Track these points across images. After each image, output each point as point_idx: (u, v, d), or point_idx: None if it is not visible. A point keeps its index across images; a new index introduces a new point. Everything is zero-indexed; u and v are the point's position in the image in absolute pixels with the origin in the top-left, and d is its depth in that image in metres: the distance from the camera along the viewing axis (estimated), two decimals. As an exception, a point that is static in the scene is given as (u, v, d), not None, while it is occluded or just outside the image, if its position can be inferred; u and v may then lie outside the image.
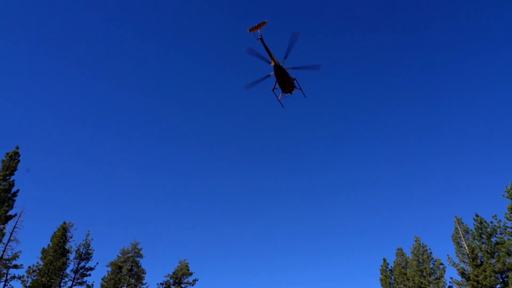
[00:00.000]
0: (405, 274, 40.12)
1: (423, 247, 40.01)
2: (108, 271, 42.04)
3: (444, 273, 37.57)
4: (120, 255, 44.64)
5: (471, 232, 38.11)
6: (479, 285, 32.58)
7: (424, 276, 37.98)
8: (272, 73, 21.10)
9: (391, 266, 44.91)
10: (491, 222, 36.43)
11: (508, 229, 33.69)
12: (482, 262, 34.75)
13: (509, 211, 32.92)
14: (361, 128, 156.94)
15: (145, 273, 44.73)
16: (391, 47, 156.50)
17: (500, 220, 35.54)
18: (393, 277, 43.50)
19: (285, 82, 21.27)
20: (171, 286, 50.60)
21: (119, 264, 42.31)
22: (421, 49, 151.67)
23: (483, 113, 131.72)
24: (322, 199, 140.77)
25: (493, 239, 35.81)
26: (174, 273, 50.86)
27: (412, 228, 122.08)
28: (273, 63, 20.63)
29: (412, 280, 38.30)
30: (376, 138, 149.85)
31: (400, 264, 42.66)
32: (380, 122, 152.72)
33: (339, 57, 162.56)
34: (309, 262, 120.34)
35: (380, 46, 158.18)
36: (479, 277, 32.93)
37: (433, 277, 37.64)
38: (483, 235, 36.36)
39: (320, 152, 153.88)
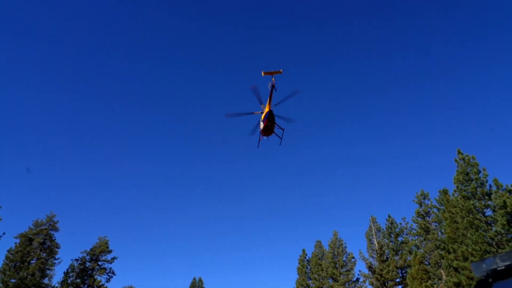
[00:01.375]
0: (320, 265, 42.78)
1: (339, 241, 42.91)
2: (16, 243, 38.86)
3: (354, 266, 40.82)
4: (32, 227, 41.46)
5: (382, 231, 41.70)
6: (382, 278, 35.95)
7: (337, 268, 40.85)
8: (258, 112, 22.33)
9: (309, 257, 47.56)
10: (400, 224, 40.27)
11: (413, 231, 37.44)
12: (387, 258, 38.29)
13: (416, 214, 36.55)
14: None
15: (59, 248, 42.15)
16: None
17: (408, 222, 39.46)
18: (309, 267, 46.12)
19: (272, 128, 22.48)
20: (87, 262, 48.31)
21: (30, 236, 39.31)
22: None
23: (418, 119, 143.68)
24: (257, 188, 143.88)
25: (400, 239, 39.63)
26: (91, 249, 48.57)
27: (333, 223, 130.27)
28: (268, 109, 21.75)
29: (326, 271, 41.00)
30: (302, 133, 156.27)
31: (317, 255, 45.32)
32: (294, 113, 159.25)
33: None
34: (235, 247, 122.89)
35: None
36: (383, 271, 36.30)
37: (345, 269, 40.66)
38: (392, 234, 40.02)
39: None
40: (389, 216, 41.19)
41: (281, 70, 20.70)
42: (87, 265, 48.40)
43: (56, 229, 42.25)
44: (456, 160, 28.02)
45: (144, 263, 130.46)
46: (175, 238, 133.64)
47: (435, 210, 34.53)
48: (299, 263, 47.44)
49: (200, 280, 73.78)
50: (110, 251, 50.16)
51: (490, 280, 1.34)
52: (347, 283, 39.70)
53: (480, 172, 26.51)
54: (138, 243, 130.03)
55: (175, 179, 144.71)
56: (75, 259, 47.99)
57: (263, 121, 22.29)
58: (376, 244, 39.68)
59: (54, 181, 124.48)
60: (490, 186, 25.86)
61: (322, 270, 41.91)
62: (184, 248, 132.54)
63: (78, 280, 46.80)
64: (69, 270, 46.46)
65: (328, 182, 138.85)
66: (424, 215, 35.69)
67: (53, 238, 41.84)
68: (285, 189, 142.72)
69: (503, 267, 1.33)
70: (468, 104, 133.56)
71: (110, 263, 50.33)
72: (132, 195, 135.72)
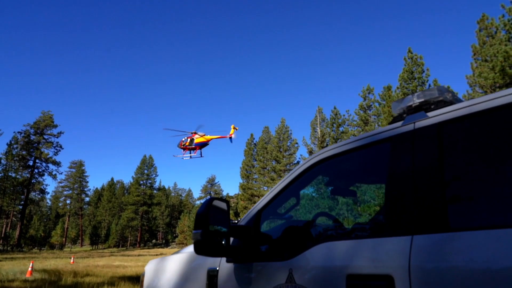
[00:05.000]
0: (266, 148, 45.94)
1: (285, 128, 45.52)
2: None
3: (297, 150, 44.45)
4: (-37, 95, 38.32)
5: (326, 121, 44.54)
6: (320, 162, 39.94)
7: (281, 152, 44.25)
8: (189, 132, 28.57)
9: (256, 141, 50.53)
10: (343, 115, 43.04)
11: (354, 122, 40.45)
12: (327, 145, 41.89)
13: (359, 107, 39.02)
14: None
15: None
16: None
17: (350, 114, 42.19)
18: (255, 150, 49.41)
19: (192, 150, 29.29)
20: (31, 136, 47.33)
21: (-37, 105, 36.63)
22: None
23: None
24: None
25: (341, 129, 42.88)
26: (35, 123, 47.19)
27: (282, 111, 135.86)
28: (206, 140, 28.41)
29: (271, 154, 44.34)
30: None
31: (264, 140, 48.24)
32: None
33: None
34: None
35: None
36: (321, 156, 40.08)
37: (288, 153, 44.23)
38: (334, 124, 43.01)
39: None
40: (335, 108, 43.59)
41: (237, 128, 29.63)
42: (32, 138, 47.52)
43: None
44: (405, 59, 29.05)
45: (95, 139, 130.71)
46: (126, 117, 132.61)
47: (376, 104, 37.01)
48: (247, 146, 50.51)
49: (151, 157, 76.71)
50: (56, 126, 49.13)
51: (404, 115, 1.56)
52: (288, 165, 43.69)
53: (423, 72, 28.03)
54: (88, 120, 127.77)
55: (118, 56, 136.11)
56: (18, 132, 46.74)
57: (196, 144, 28.45)
58: (319, 132, 42.75)
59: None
60: (430, 85, 27.77)
61: (267, 153, 45.22)
62: (135, 127, 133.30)
63: (24, 152, 46.40)
64: (12, 142, 45.53)
65: (285, 73, 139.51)
66: (366, 108, 38.22)
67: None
68: (243, 76, 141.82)
69: (417, 103, 1.56)
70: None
71: (57, 137, 49.88)
72: (79, 70, 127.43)
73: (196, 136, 28.61)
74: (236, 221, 2.07)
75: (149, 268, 2.75)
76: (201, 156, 29.78)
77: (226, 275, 2.00)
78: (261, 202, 2.05)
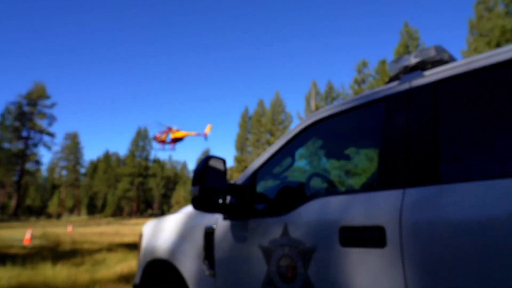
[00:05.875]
0: (260, 121, 46.15)
1: (280, 101, 45.58)
2: None
3: (291, 123, 44.74)
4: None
5: (321, 94, 44.59)
6: (313, 136, 40.44)
7: (275, 125, 44.51)
8: (170, 131, 31.19)
9: (250, 114, 50.66)
10: (338, 89, 43.15)
11: (348, 96, 40.58)
12: (321, 119, 42.15)
13: (353, 82, 39.03)
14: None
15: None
16: None
17: (345, 88, 42.31)
18: (250, 123, 49.64)
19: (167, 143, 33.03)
20: (24, 107, 46.94)
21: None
22: None
23: None
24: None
25: (335, 102, 43.08)
26: (28, 94, 46.68)
27: (277, 84, 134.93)
28: (181, 136, 30.79)
29: (265, 126, 44.63)
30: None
31: (258, 113, 48.34)
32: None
33: None
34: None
35: None
36: (315, 129, 40.48)
37: (282, 126, 44.53)
38: (328, 98, 43.14)
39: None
40: (329, 82, 43.58)
41: (211, 126, 32.12)
42: (25, 110, 47.12)
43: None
44: (401, 33, 28.89)
45: (90, 111, 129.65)
46: (119, 91, 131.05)
47: (371, 78, 37.03)
48: (241, 119, 50.67)
49: (146, 130, 76.65)
50: (49, 97, 48.67)
51: (401, 75, 1.62)
52: (282, 138, 44.16)
53: (419, 46, 27.94)
54: (82, 92, 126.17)
55: (113, 28, 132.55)
56: (11, 103, 46.28)
57: (172, 139, 30.96)
58: (313, 106, 42.88)
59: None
60: (424, 60, 27.79)
61: (261, 126, 45.49)
62: (130, 100, 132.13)
63: (17, 123, 46.15)
64: (5, 113, 45.21)
65: (280, 46, 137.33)
66: (361, 82, 38.22)
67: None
68: (237, 49, 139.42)
69: (414, 63, 1.60)
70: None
71: (50, 108, 49.47)
72: (72, 41, 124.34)
73: (173, 130, 30.49)
74: (233, 181, 2.11)
75: (147, 228, 2.84)
76: (174, 149, 32.51)
77: (223, 232, 2.05)
78: (257, 163, 2.07)
